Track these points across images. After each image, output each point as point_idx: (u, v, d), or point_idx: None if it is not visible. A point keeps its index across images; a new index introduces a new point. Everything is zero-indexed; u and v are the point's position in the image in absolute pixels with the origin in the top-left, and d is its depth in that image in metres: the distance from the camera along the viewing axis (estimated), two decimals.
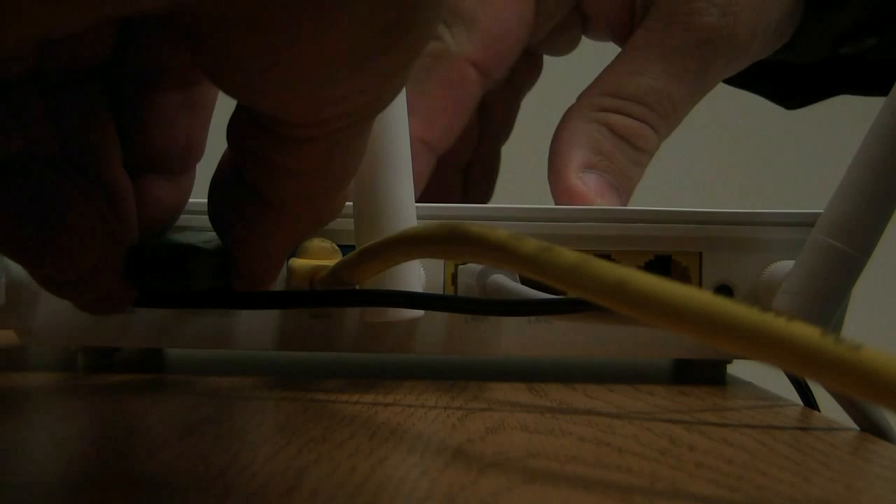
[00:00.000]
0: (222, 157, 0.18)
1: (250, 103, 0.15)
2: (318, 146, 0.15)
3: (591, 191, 0.29)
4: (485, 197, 0.38)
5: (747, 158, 0.92)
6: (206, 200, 0.25)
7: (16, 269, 0.24)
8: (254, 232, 0.18)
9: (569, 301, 0.21)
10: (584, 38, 0.35)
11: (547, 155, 0.30)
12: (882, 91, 0.37)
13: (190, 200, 0.25)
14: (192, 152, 0.19)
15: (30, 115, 0.16)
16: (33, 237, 0.16)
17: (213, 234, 0.20)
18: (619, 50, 0.32)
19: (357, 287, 0.23)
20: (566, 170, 0.29)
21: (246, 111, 0.16)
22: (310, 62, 0.13)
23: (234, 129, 0.16)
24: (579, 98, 0.31)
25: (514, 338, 0.26)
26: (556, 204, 0.29)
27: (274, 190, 0.17)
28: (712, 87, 0.31)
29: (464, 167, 0.36)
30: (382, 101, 0.15)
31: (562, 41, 0.35)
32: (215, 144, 0.19)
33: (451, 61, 0.30)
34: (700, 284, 0.26)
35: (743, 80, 0.37)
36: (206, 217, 0.24)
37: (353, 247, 0.23)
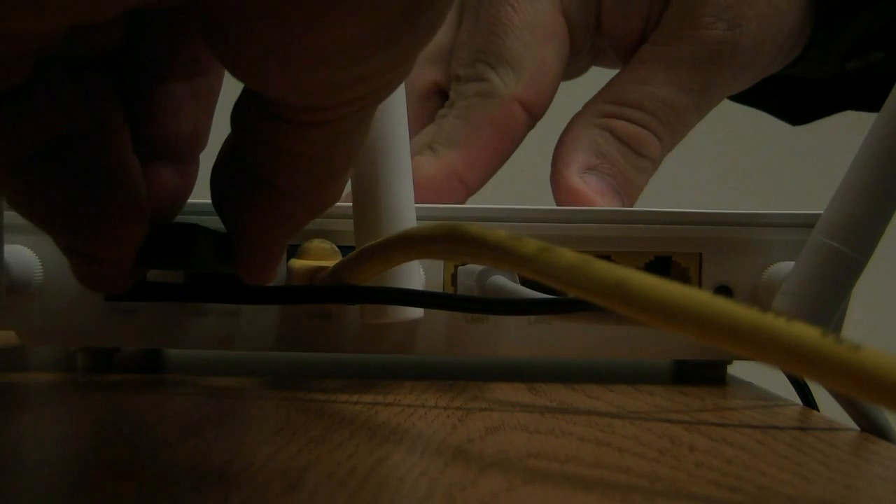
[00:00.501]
0: (225, 142, 0.18)
1: (262, 89, 0.15)
2: (323, 131, 0.16)
3: (592, 190, 0.29)
4: None
5: (747, 159, 0.92)
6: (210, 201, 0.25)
7: (16, 269, 0.24)
8: (254, 217, 0.18)
9: (570, 301, 0.21)
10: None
11: (547, 157, 0.31)
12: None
13: (196, 201, 0.25)
14: (198, 141, 0.20)
15: (67, 95, 0.17)
16: (82, 210, 0.17)
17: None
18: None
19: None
20: (568, 170, 0.29)
21: (253, 95, 0.16)
22: (324, 48, 0.13)
23: (240, 112, 0.17)
24: (584, 106, 0.31)
25: (515, 338, 0.26)
26: (557, 205, 0.29)
27: (276, 174, 0.17)
28: (718, 101, 0.31)
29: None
30: (389, 87, 0.15)
31: (573, 70, 0.35)
32: (219, 135, 0.19)
33: (499, 100, 0.30)
34: (700, 285, 0.26)
35: (749, 97, 0.37)
36: (209, 218, 0.25)
37: (352, 248, 0.23)
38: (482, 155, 0.30)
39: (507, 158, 0.31)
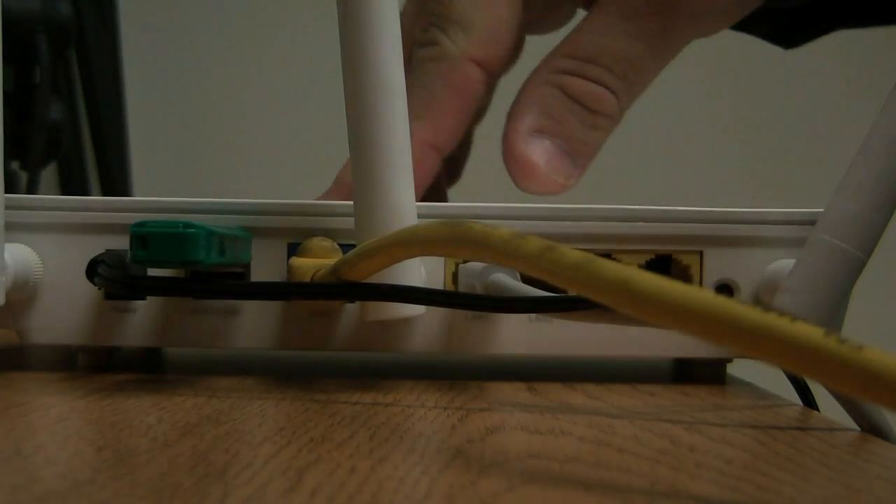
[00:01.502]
0: None
1: None
2: None
3: (537, 156, 0.29)
4: (455, 176, 0.38)
5: (748, 157, 0.92)
6: (213, 200, 0.25)
7: (16, 268, 0.24)
8: None
9: (571, 299, 0.21)
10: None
11: None
12: (876, 20, 0.36)
13: (197, 200, 0.25)
14: None
15: None
16: None
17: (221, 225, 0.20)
18: None
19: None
20: (515, 135, 0.29)
21: None
22: None
23: None
24: (542, 61, 0.30)
25: (515, 336, 0.26)
26: (508, 172, 0.29)
27: None
28: (679, 48, 0.30)
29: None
30: None
31: (550, 21, 0.34)
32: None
33: (453, 63, 0.30)
34: (701, 283, 0.26)
35: (737, 23, 0.36)
36: (210, 216, 0.25)
37: (353, 245, 0.23)
38: (446, 118, 0.30)
39: (472, 115, 0.31)
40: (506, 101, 0.31)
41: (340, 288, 0.23)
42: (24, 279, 0.24)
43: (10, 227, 0.24)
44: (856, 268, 0.22)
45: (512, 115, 0.30)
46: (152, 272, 0.24)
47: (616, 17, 0.29)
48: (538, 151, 0.29)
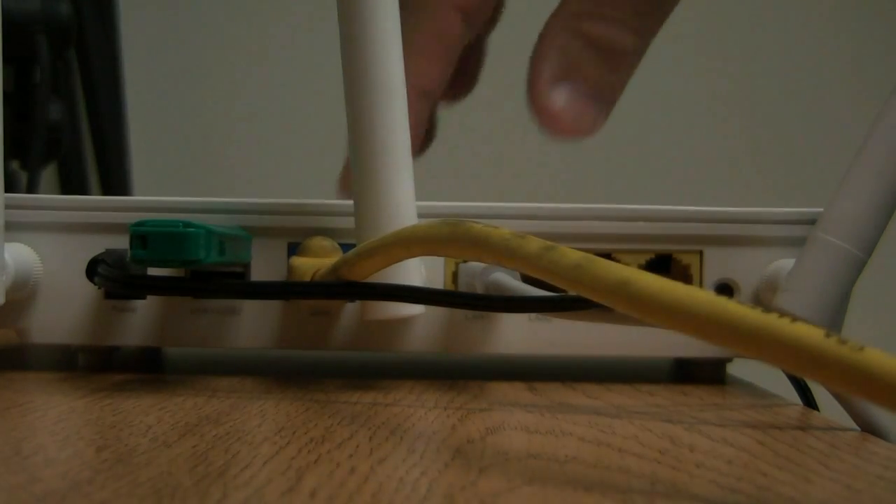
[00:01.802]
0: None
1: None
2: None
3: (562, 104, 0.29)
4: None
5: (748, 156, 0.92)
6: (213, 200, 0.25)
7: (16, 267, 0.24)
8: None
9: (572, 299, 0.21)
10: None
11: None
12: None
13: (197, 200, 0.25)
14: None
15: None
16: None
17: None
18: None
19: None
20: (538, 84, 0.29)
21: None
22: None
23: None
24: (557, 7, 0.30)
25: (514, 336, 0.26)
26: (535, 121, 0.29)
27: None
28: None
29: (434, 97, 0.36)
30: None
31: None
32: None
33: (435, 11, 0.30)
34: (701, 283, 0.26)
35: None
36: (210, 216, 0.25)
37: (353, 245, 0.23)
38: (431, 65, 0.30)
39: (455, 59, 0.31)
40: (525, 50, 0.31)
41: (340, 287, 0.23)
42: (24, 279, 0.24)
43: (10, 227, 0.24)
44: (856, 268, 0.22)
45: (533, 64, 0.30)
46: (152, 272, 0.24)
47: None
48: (562, 98, 0.29)
